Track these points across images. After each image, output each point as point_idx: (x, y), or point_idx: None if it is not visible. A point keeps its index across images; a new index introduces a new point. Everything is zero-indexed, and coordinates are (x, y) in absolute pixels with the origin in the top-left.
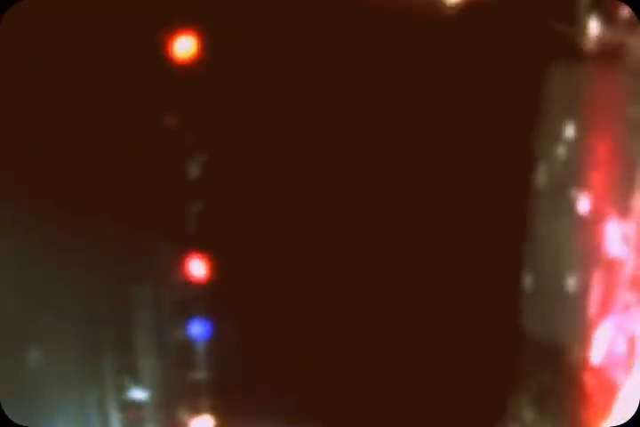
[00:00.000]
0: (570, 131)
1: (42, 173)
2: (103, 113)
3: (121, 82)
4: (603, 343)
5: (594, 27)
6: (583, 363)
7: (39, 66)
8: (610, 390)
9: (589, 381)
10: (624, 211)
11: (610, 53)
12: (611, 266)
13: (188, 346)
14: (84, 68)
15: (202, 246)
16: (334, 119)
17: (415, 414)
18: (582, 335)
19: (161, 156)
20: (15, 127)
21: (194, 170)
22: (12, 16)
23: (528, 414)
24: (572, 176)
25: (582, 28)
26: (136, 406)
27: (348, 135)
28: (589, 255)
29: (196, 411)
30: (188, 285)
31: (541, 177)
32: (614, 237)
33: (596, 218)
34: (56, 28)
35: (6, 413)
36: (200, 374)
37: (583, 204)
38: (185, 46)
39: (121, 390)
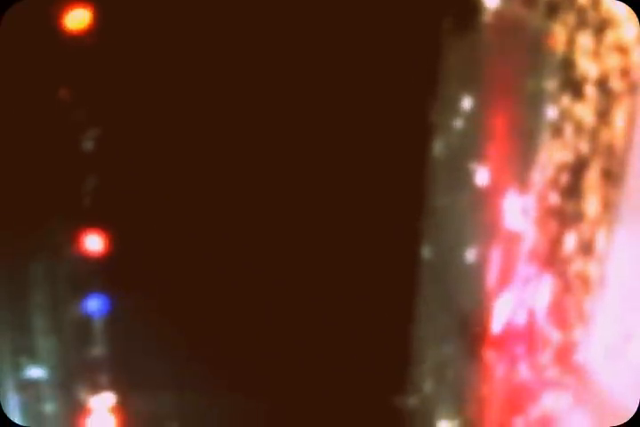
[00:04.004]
0: (467, 103)
1: None
2: None
3: (14, 54)
4: (502, 316)
5: None
6: (483, 335)
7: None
8: (509, 362)
9: (489, 352)
10: (523, 184)
11: (507, 26)
12: (510, 239)
13: (85, 322)
14: None
15: (97, 221)
16: (228, 96)
17: (314, 385)
18: (481, 307)
19: (54, 129)
20: None
21: (88, 144)
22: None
23: (428, 385)
24: (469, 148)
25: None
26: (34, 385)
27: (241, 111)
28: (488, 228)
29: (96, 388)
30: (84, 260)
31: (439, 149)
32: (513, 210)
33: (495, 191)
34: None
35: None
36: (98, 351)
37: (481, 176)
38: (78, 18)
39: (18, 369)
